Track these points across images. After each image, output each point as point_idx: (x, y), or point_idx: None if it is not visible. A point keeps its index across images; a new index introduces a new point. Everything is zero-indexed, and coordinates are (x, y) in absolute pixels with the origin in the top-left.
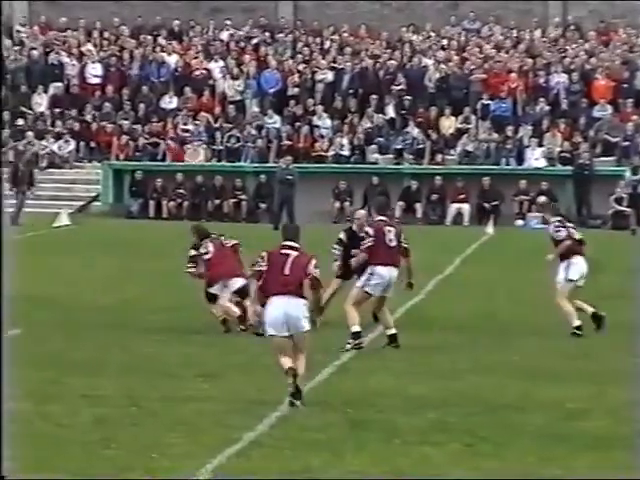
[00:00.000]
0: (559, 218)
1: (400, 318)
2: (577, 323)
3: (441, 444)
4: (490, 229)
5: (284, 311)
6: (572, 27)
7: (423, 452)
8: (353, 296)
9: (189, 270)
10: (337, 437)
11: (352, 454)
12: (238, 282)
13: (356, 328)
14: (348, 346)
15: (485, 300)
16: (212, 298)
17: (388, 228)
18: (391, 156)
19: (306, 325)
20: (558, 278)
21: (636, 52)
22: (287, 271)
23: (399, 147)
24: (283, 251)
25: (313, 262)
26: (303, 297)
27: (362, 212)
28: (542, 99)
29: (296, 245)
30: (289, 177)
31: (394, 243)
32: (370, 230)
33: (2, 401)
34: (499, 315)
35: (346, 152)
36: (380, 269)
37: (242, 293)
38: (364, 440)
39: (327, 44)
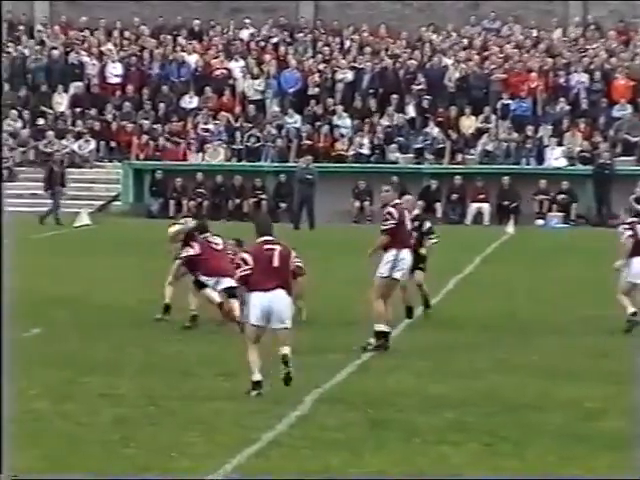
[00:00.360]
0: (631, 219)
1: (420, 317)
2: (632, 310)
3: (460, 444)
4: (510, 228)
5: (270, 304)
6: (592, 27)
7: (442, 452)
8: (379, 287)
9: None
10: (356, 436)
11: (371, 453)
12: (228, 281)
13: (381, 327)
14: (370, 346)
15: (505, 299)
16: (201, 287)
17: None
18: (411, 155)
19: (288, 322)
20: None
21: None
22: (276, 264)
23: (419, 146)
24: (267, 246)
25: (293, 254)
26: (289, 292)
27: (409, 197)
28: (562, 99)
29: (276, 239)
30: (309, 176)
31: (410, 226)
32: (394, 212)
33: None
34: (519, 314)
35: (366, 151)
36: (406, 252)
37: (229, 293)
38: (383, 439)
39: (347, 44)
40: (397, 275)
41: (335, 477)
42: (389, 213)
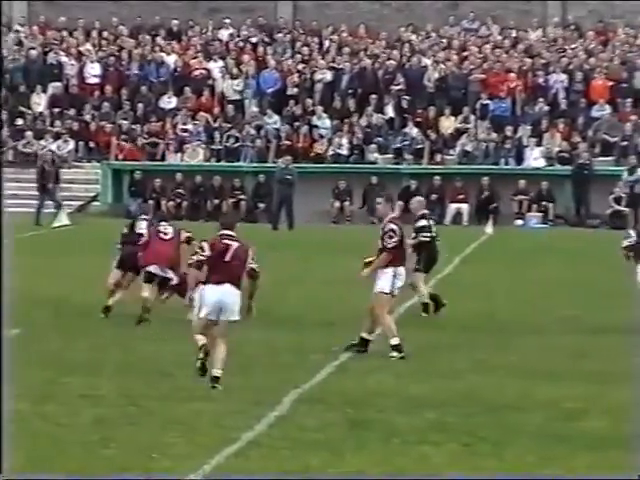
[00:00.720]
0: None
1: (399, 318)
2: None
3: (440, 444)
4: (489, 229)
5: (220, 298)
6: (571, 27)
7: (422, 452)
8: (385, 304)
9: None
10: (336, 437)
11: (351, 454)
12: (154, 268)
13: (396, 341)
14: (393, 359)
15: (484, 300)
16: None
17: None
18: (390, 156)
19: (236, 315)
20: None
21: (635, 52)
22: (228, 259)
23: (398, 147)
24: (224, 241)
25: (251, 254)
26: (239, 287)
27: (419, 198)
28: (541, 99)
29: (235, 235)
30: (288, 177)
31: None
32: (396, 229)
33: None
34: (498, 315)
35: (345, 152)
36: (402, 269)
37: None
38: (363, 440)
39: (326, 44)
40: (397, 292)
41: (315, 477)
42: (392, 230)
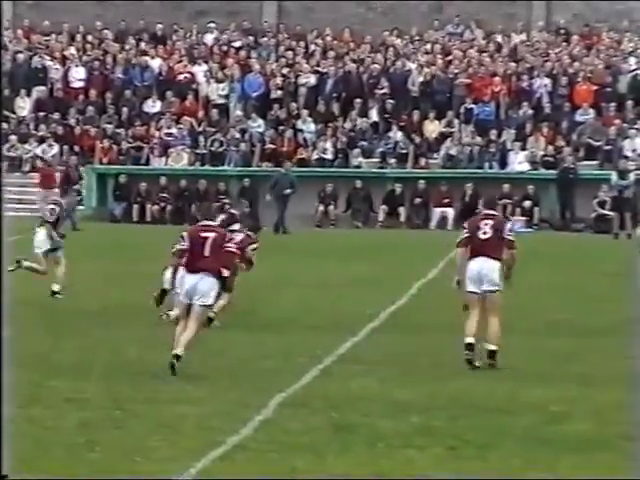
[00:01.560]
0: None
1: (384, 322)
2: None
3: (425, 447)
4: None
5: (196, 284)
6: (556, 31)
7: (407, 455)
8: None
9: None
10: (321, 440)
11: (336, 457)
12: None
13: (468, 339)
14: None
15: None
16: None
17: (485, 222)
18: (375, 160)
19: (210, 300)
20: None
21: (619, 56)
22: (207, 252)
23: (382, 151)
24: (203, 234)
25: (228, 240)
26: (216, 276)
27: None
28: (525, 103)
29: (214, 224)
30: (288, 182)
31: (488, 235)
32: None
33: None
34: None
35: (330, 156)
36: (472, 263)
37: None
38: (348, 443)
39: (311, 48)
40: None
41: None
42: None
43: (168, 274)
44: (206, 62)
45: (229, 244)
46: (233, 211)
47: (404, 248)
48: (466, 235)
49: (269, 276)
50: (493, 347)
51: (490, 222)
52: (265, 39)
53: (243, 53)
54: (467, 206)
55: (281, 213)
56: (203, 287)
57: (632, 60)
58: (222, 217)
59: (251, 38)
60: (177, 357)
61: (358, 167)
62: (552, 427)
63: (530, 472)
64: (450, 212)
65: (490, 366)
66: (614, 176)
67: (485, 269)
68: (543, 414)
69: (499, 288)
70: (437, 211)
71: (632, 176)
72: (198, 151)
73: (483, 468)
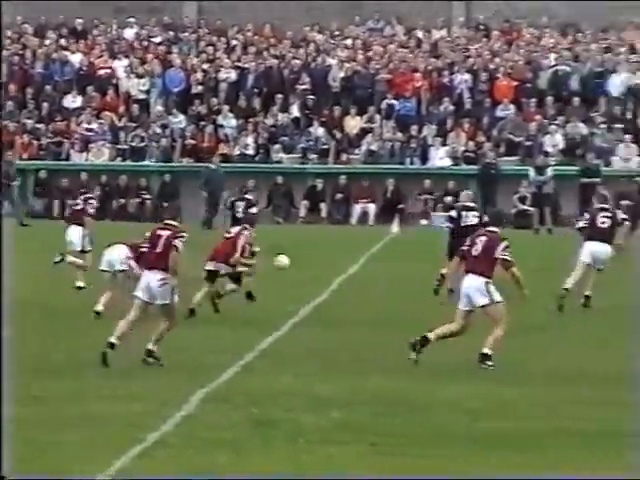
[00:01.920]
0: None
1: (305, 317)
2: None
3: (345, 443)
4: (395, 228)
5: (148, 283)
6: (476, 27)
7: (327, 451)
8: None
9: None
10: (242, 436)
11: (257, 453)
12: None
13: (484, 350)
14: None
15: (389, 299)
16: None
17: (481, 238)
18: (296, 155)
19: (166, 299)
20: None
21: (539, 52)
22: (159, 249)
23: (304, 146)
24: (159, 232)
25: (179, 239)
26: (168, 272)
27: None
28: (446, 99)
29: (174, 223)
30: (217, 177)
31: (478, 252)
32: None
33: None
34: (403, 314)
35: (251, 152)
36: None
37: None
38: (269, 439)
39: (232, 43)
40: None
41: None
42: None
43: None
44: (127, 57)
45: (179, 242)
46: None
47: (325, 244)
48: (465, 248)
49: (191, 272)
50: (484, 350)
51: (484, 239)
52: (186, 34)
53: (163, 48)
54: (388, 202)
55: (211, 209)
56: (153, 285)
57: (552, 56)
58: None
59: (171, 33)
60: (149, 352)
61: (279, 163)
62: (471, 423)
63: (449, 468)
64: (371, 208)
65: (482, 368)
66: (531, 172)
67: (468, 288)
68: (461, 410)
69: (487, 302)
70: (358, 207)
71: (550, 172)
72: (119, 146)
73: (402, 464)
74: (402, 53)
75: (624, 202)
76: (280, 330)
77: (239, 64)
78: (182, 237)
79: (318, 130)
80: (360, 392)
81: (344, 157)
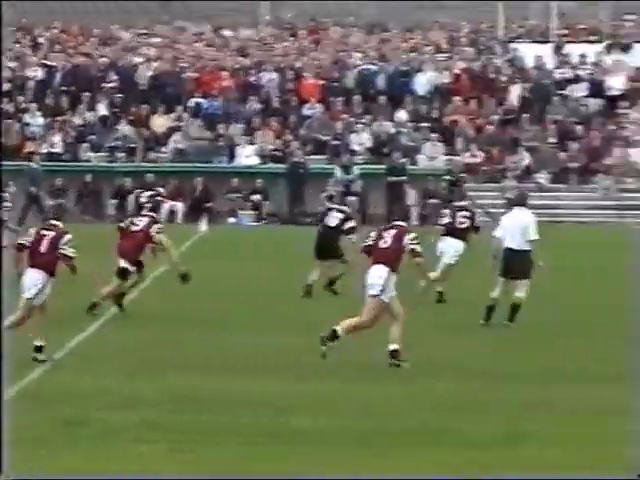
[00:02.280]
0: None
1: (114, 316)
2: None
3: (154, 442)
4: (203, 227)
5: (27, 280)
6: (283, 26)
7: (136, 450)
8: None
9: None
10: (52, 434)
11: (66, 451)
12: None
13: (391, 346)
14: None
15: (197, 297)
16: None
17: (390, 231)
18: (104, 154)
19: (31, 293)
20: None
21: (346, 51)
22: (42, 249)
23: (111, 145)
24: (42, 231)
25: (65, 239)
26: (49, 272)
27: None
28: (253, 97)
29: (57, 224)
30: (38, 175)
31: (387, 244)
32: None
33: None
34: (212, 311)
35: (59, 150)
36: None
37: None
38: (77, 437)
39: (38, 41)
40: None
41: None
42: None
43: None
44: None
45: (64, 245)
46: None
47: None
48: (371, 242)
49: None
50: (392, 347)
51: (393, 232)
52: None
53: None
54: (197, 200)
55: (39, 207)
56: (30, 282)
57: (358, 55)
58: None
59: None
60: (38, 348)
61: (87, 161)
62: (277, 421)
63: (259, 467)
64: (179, 206)
65: (392, 365)
66: (337, 171)
67: (372, 277)
68: (268, 408)
69: (377, 294)
70: (166, 205)
71: (356, 170)
72: None
73: (208, 462)
74: (209, 52)
75: (431, 200)
76: (89, 329)
77: (46, 62)
78: (69, 240)
79: (125, 128)
80: (167, 390)
81: (152, 155)
